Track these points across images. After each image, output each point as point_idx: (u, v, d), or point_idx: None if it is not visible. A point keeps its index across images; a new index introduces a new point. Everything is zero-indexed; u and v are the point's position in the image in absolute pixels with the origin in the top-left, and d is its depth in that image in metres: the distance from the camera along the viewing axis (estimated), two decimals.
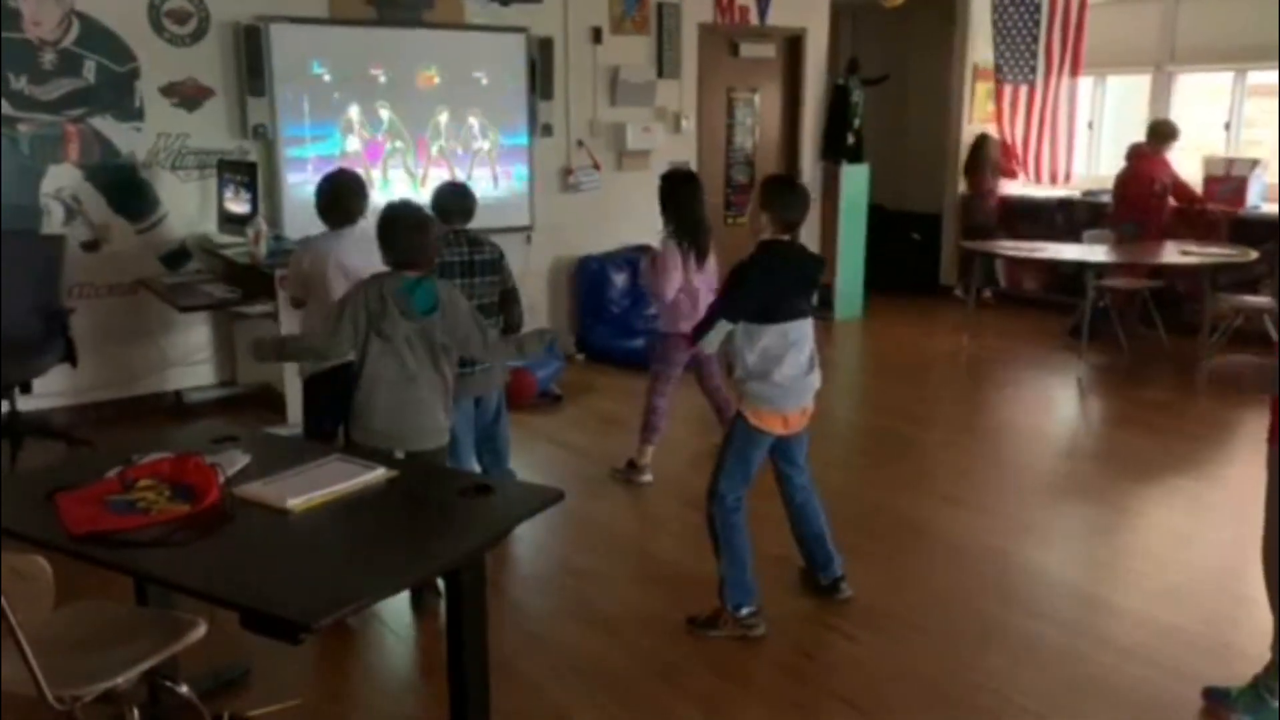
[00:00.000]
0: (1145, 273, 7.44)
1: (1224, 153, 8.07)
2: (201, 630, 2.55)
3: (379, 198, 6.23)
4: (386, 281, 3.37)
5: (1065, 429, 6.31)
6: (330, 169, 4.53)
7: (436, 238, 3.48)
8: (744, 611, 3.55)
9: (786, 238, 3.50)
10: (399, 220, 3.41)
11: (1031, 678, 3.33)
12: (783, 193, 3.54)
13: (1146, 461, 5.44)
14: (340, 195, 4.03)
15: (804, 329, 3.51)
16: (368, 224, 3.96)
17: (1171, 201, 7.66)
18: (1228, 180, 7.68)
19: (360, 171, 6.26)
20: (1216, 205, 7.66)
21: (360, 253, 3.88)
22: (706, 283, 4.83)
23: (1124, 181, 7.73)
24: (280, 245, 5.65)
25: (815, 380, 3.57)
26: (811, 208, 8.58)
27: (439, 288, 3.42)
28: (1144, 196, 7.61)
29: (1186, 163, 8.25)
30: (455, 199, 4.24)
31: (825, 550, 3.81)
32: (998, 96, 9.08)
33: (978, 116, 9.39)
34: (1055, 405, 6.75)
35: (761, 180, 3.73)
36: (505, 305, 4.32)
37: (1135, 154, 7.69)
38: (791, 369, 3.46)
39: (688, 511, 4.80)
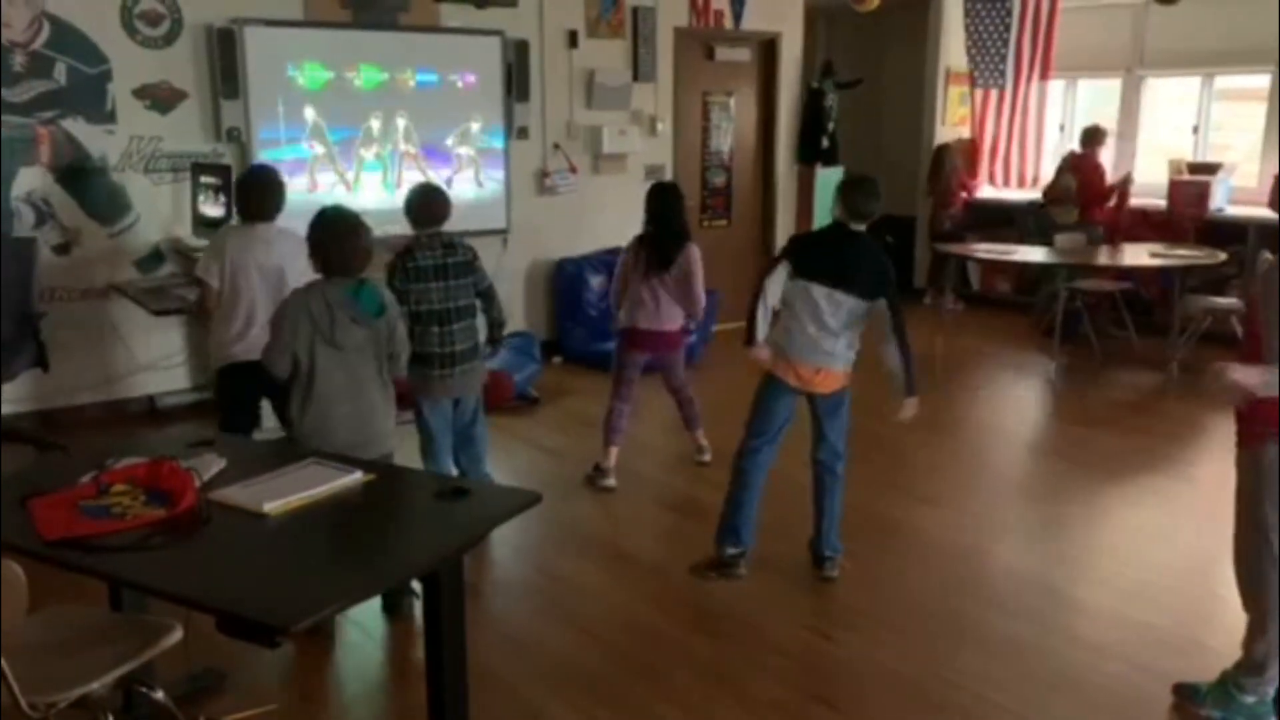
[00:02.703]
0: (1111, 275, 7.54)
1: (1191, 156, 8.18)
2: (177, 635, 2.54)
3: (352, 200, 6.23)
4: (327, 289, 3.33)
5: (1038, 429, 6.38)
6: (260, 166, 4.51)
7: (370, 243, 3.41)
8: (727, 551, 3.82)
9: (855, 226, 3.78)
10: (330, 227, 3.35)
11: (1006, 675, 3.36)
12: (851, 184, 3.86)
13: (1118, 461, 5.51)
14: (262, 189, 4.05)
15: (839, 302, 3.76)
16: (279, 222, 4.10)
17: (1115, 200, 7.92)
18: (1193, 184, 7.79)
19: (334, 175, 6.34)
20: (1183, 208, 7.78)
21: (276, 249, 4.00)
22: (668, 286, 4.89)
23: (1081, 187, 7.93)
24: None
25: (828, 346, 3.80)
26: (787, 210, 8.72)
27: (380, 289, 3.41)
28: (1094, 199, 7.84)
29: (1154, 166, 8.38)
30: (428, 201, 4.23)
31: (820, 525, 4.04)
32: (972, 100, 9.16)
33: (950, 120, 9.47)
34: (1028, 405, 6.81)
35: (843, 177, 4.11)
36: (486, 304, 4.34)
37: (1081, 160, 7.94)
38: (811, 327, 3.77)
39: (664, 513, 4.83)
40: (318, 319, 3.30)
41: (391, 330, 3.43)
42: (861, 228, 3.81)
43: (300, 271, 3.93)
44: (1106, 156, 8.21)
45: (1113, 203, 7.86)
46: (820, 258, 3.79)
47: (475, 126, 6.84)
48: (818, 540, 4.05)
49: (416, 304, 4.12)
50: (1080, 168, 7.99)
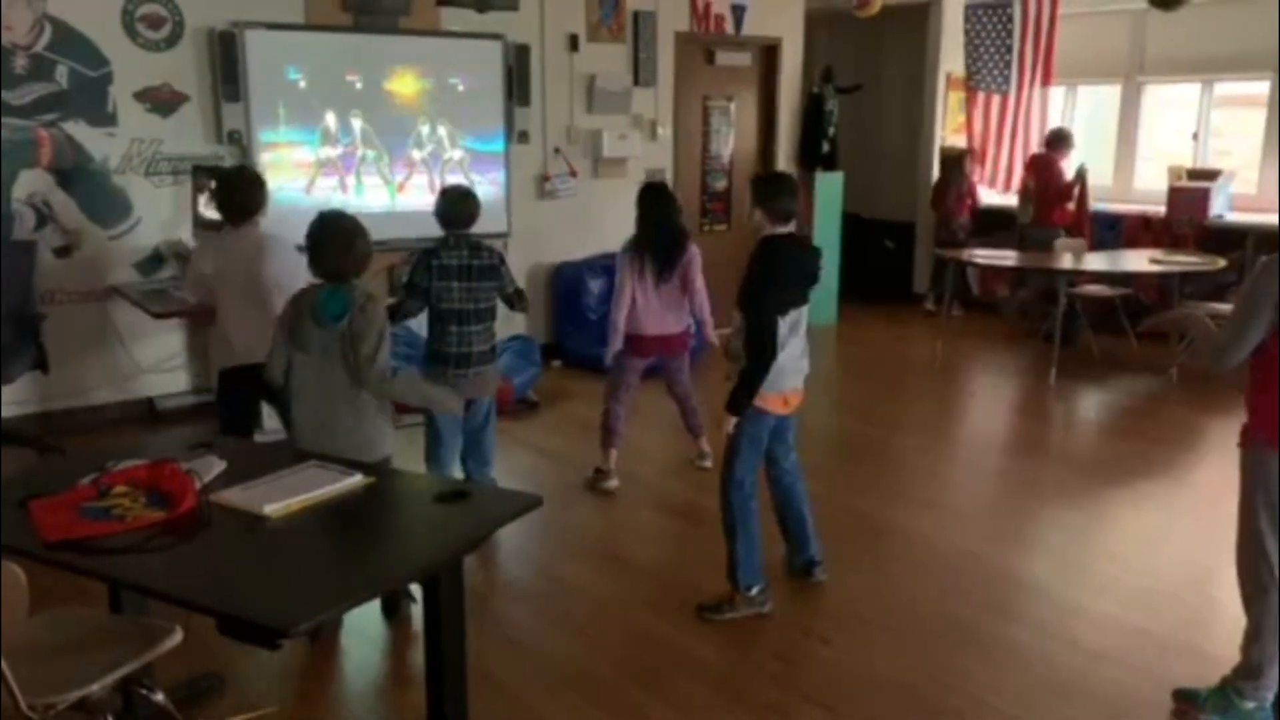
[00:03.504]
0: (1089, 280, 7.59)
1: (1191, 163, 8.19)
2: (177, 637, 2.54)
3: (354, 204, 6.25)
4: (309, 292, 3.37)
5: (1037, 433, 6.37)
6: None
7: (367, 248, 3.40)
8: (754, 590, 3.72)
9: (785, 230, 3.62)
10: (326, 231, 3.36)
11: (1004, 680, 3.36)
12: (773, 186, 3.67)
13: (1117, 466, 5.51)
14: (241, 190, 4.07)
15: (803, 315, 3.68)
16: (268, 223, 4.11)
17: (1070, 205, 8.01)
18: (1193, 190, 7.80)
19: (336, 179, 6.35)
20: (1183, 215, 7.79)
21: (246, 251, 4.00)
22: (669, 288, 4.89)
23: (1039, 188, 8.04)
24: None
25: (806, 363, 3.76)
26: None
27: (356, 295, 3.33)
28: (1055, 201, 7.95)
29: (1154, 173, 8.39)
30: (459, 204, 4.31)
31: (805, 533, 3.99)
32: (969, 105, 9.18)
33: (951, 126, 9.47)
34: (1027, 410, 6.81)
35: (751, 178, 3.84)
36: (510, 303, 4.42)
37: (1044, 161, 8.03)
38: (792, 351, 3.63)
39: (662, 517, 4.84)
40: (291, 321, 3.36)
41: (356, 336, 3.27)
42: (785, 230, 3.62)
43: (275, 272, 3.98)
44: (1106, 161, 8.21)
45: (1073, 204, 7.92)
46: (794, 286, 3.62)
47: (476, 130, 6.84)
48: (806, 548, 4.00)
49: (438, 301, 4.18)
50: (1039, 169, 8.14)
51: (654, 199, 4.94)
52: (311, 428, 3.36)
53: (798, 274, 3.64)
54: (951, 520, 4.72)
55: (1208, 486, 5.15)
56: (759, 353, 3.51)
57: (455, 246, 4.22)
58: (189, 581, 2.31)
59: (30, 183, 5.56)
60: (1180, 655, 3.49)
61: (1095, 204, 8.34)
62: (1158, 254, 7.36)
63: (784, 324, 3.57)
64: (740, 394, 3.55)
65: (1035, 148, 8.94)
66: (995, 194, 9.22)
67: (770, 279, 3.54)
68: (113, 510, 2.53)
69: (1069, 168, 7.93)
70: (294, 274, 4.05)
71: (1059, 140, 8.04)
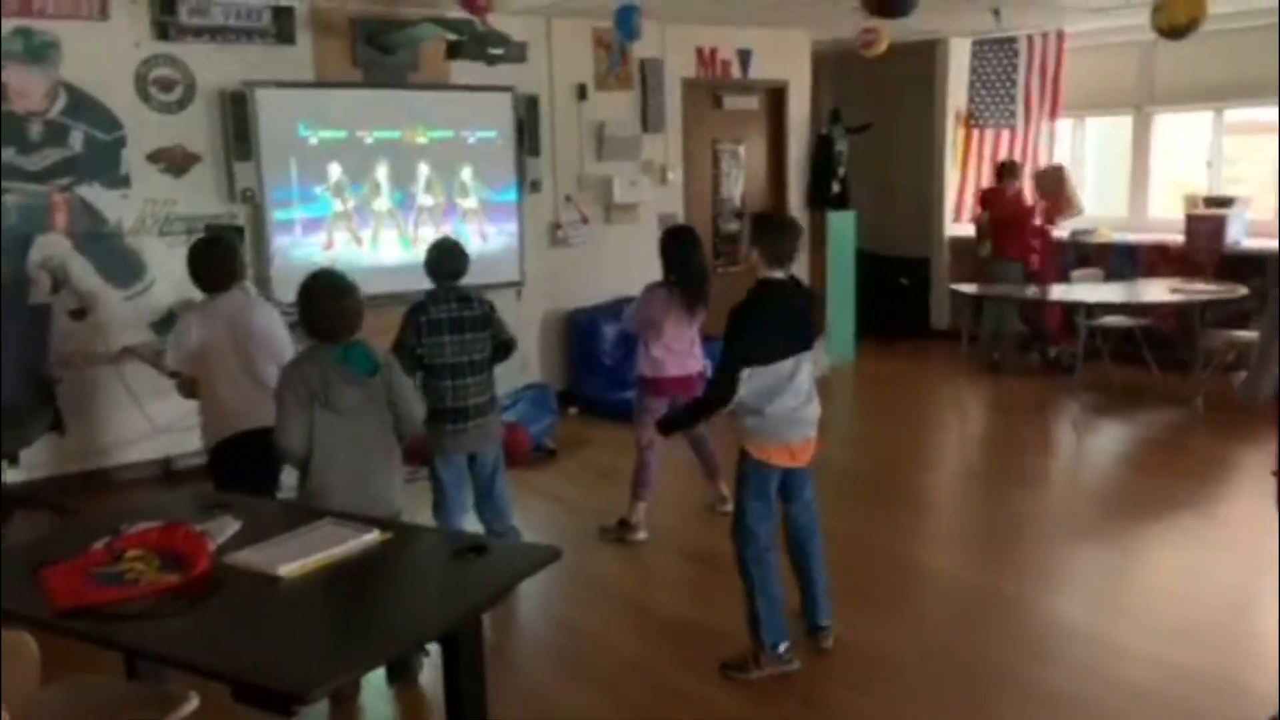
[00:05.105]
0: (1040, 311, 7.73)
1: (1205, 191, 8.14)
2: (193, 704, 2.49)
3: (368, 258, 6.27)
4: (317, 354, 3.27)
5: (1063, 469, 6.28)
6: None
7: (359, 305, 3.34)
8: (781, 648, 3.58)
9: (780, 274, 3.53)
10: (315, 291, 3.30)
11: None
12: (770, 227, 3.64)
13: (1146, 500, 5.41)
14: (210, 261, 3.98)
15: (801, 363, 3.54)
16: (248, 288, 4.09)
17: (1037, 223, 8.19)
18: (1209, 218, 7.74)
19: (349, 234, 6.37)
20: (1200, 243, 7.72)
21: (238, 317, 3.94)
22: (694, 328, 4.90)
23: (993, 222, 8.13)
24: None
25: (815, 410, 3.61)
26: (800, 255, 8.69)
27: (371, 348, 3.33)
28: (1022, 233, 8.04)
29: (1168, 202, 8.34)
30: (445, 256, 4.25)
31: (814, 593, 3.78)
32: (966, 141, 9.18)
33: (959, 162, 9.46)
34: (1051, 445, 6.71)
35: (751, 217, 3.79)
36: (502, 355, 4.35)
37: (995, 194, 8.19)
38: (790, 400, 3.50)
39: (684, 565, 4.76)
40: (313, 384, 3.23)
41: (390, 388, 3.32)
42: (782, 275, 3.53)
43: (261, 328, 3.96)
44: (1119, 192, 8.13)
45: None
46: (780, 333, 3.49)
47: (488, 181, 6.87)
48: (814, 610, 3.79)
49: (430, 358, 4.12)
50: (990, 202, 8.23)
51: (684, 242, 4.90)
52: (347, 488, 3.25)
53: (785, 320, 3.51)
54: (979, 559, 4.63)
55: (1238, 519, 5.04)
56: (711, 389, 3.50)
57: (444, 300, 4.16)
58: (202, 647, 2.26)
59: (46, 246, 5.59)
60: (1224, 692, 3.39)
61: (1112, 235, 8.31)
62: (1177, 283, 7.30)
63: (772, 372, 3.46)
64: (677, 418, 3.55)
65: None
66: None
67: (747, 324, 3.46)
68: (125, 575, 2.49)
69: (1021, 199, 8.06)
70: (277, 330, 4.01)
71: (1007, 172, 8.17)
